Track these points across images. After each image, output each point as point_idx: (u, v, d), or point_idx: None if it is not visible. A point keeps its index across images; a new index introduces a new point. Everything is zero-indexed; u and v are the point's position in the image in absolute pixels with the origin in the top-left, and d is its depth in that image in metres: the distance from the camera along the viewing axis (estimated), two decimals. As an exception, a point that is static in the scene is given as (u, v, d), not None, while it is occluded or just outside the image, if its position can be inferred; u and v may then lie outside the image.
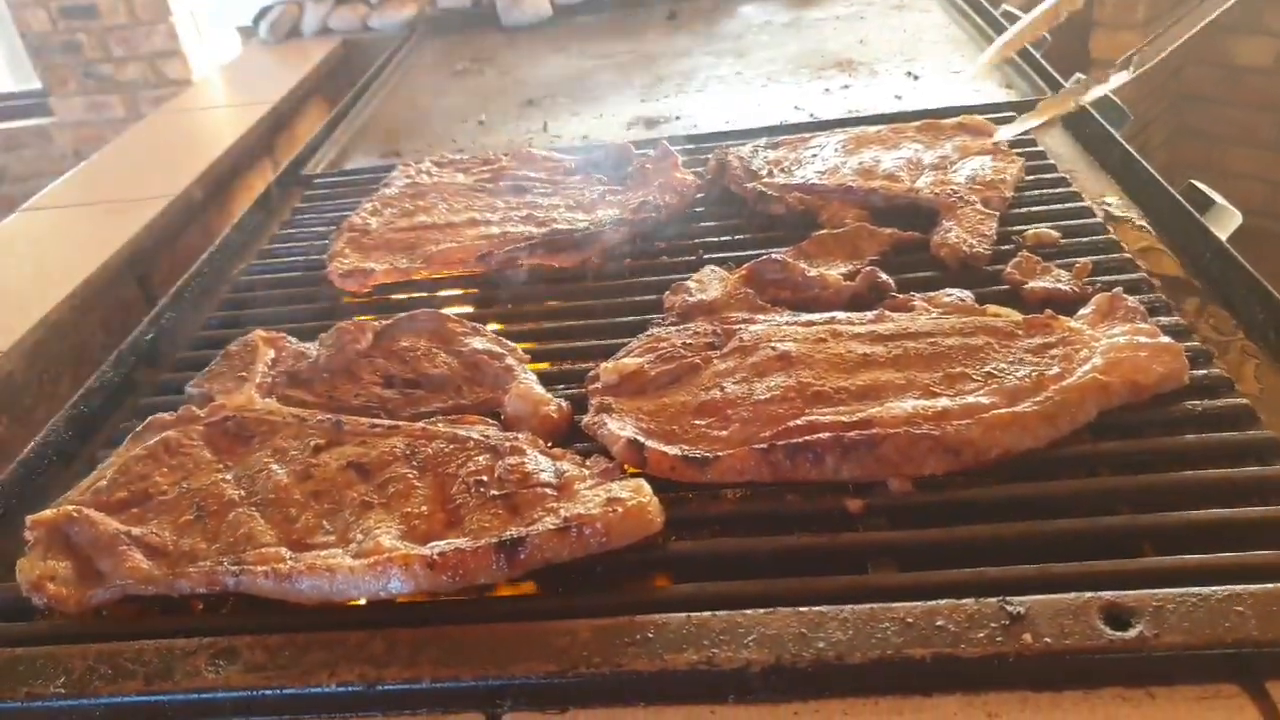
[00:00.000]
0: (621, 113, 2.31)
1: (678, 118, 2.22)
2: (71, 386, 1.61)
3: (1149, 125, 4.17)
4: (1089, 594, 0.85)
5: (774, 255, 1.40)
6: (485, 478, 1.06)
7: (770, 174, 1.69)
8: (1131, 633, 0.81)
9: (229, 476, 1.13)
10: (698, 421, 1.12)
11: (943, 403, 1.07)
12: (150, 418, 1.24)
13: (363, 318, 1.43)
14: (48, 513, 1.07)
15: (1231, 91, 4.14)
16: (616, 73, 2.60)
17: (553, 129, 2.27)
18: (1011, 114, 1.89)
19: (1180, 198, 1.46)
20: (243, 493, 1.10)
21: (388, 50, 3.10)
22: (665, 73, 2.54)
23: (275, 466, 1.13)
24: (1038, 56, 2.16)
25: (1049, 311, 1.22)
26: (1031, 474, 1.03)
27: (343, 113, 2.54)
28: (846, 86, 2.25)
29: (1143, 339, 1.13)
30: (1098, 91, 1.69)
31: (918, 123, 1.80)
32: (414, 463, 1.10)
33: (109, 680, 0.91)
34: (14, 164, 5.06)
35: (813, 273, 1.37)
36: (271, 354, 1.36)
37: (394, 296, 1.59)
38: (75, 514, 1.07)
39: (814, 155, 1.74)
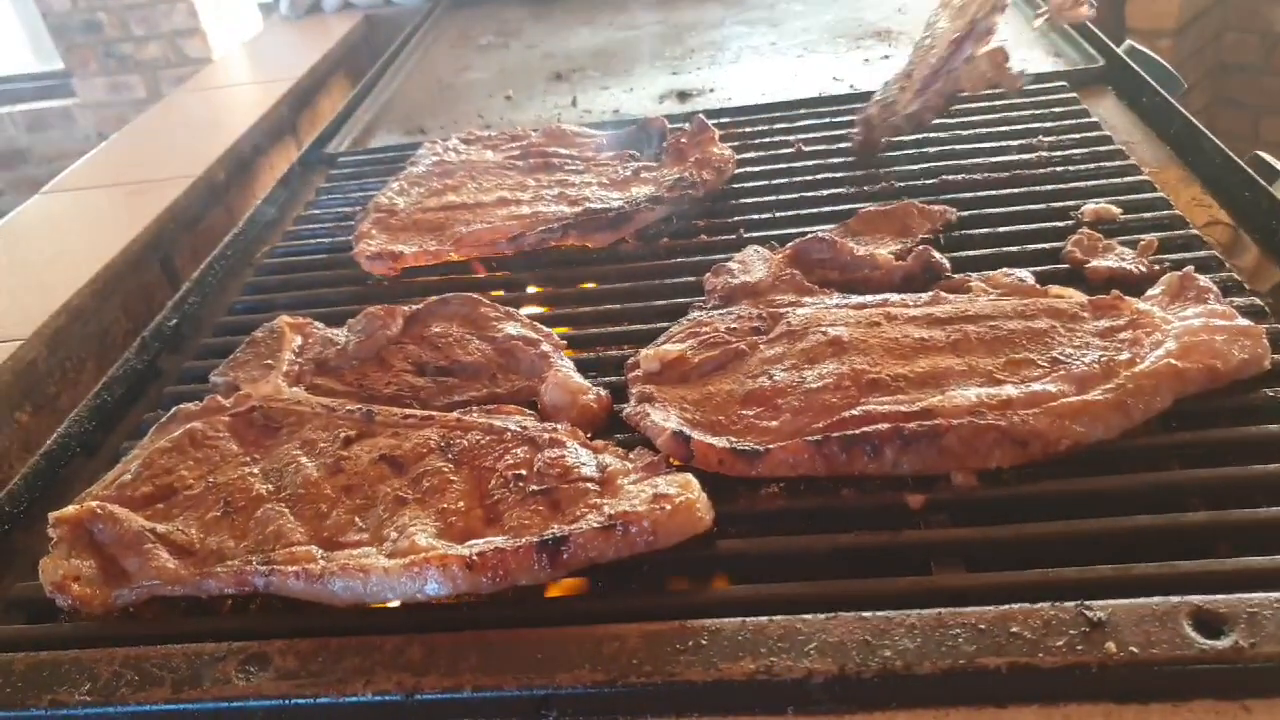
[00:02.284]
0: (653, 86, 2.24)
1: (711, 90, 2.15)
2: (94, 373, 1.58)
3: (1187, 94, 4.05)
4: (1176, 598, 0.79)
5: (820, 234, 1.34)
6: (524, 472, 1.01)
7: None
8: (1225, 641, 0.76)
9: (256, 470, 1.09)
10: (745, 412, 1.07)
11: (1008, 390, 1.01)
12: (175, 408, 1.20)
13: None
14: (71, 509, 1.03)
15: (1270, 59, 4.01)
16: (646, 44, 2.53)
17: (582, 104, 2.20)
18: (1063, 83, 1.81)
19: (1249, 169, 1.39)
20: (271, 487, 1.06)
21: (410, 25, 3.03)
22: (697, 44, 2.47)
23: (304, 459, 1.09)
24: (1086, 22, 2.07)
25: (1115, 292, 1.15)
26: (1102, 467, 0.97)
27: (366, 90, 2.49)
28: (886, 56, 2.17)
29: (1219, 321, 1.06)
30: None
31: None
32: (449, 455, 1.05)
33: (136, 687, 0.86)
34: (38, 145, 5.05)
35: (861, 251, 1.30)
36: (299, 340, 1.32)
37: (423, 279, 1.54)
38: (99, 510, 1.02)
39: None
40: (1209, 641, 0.76)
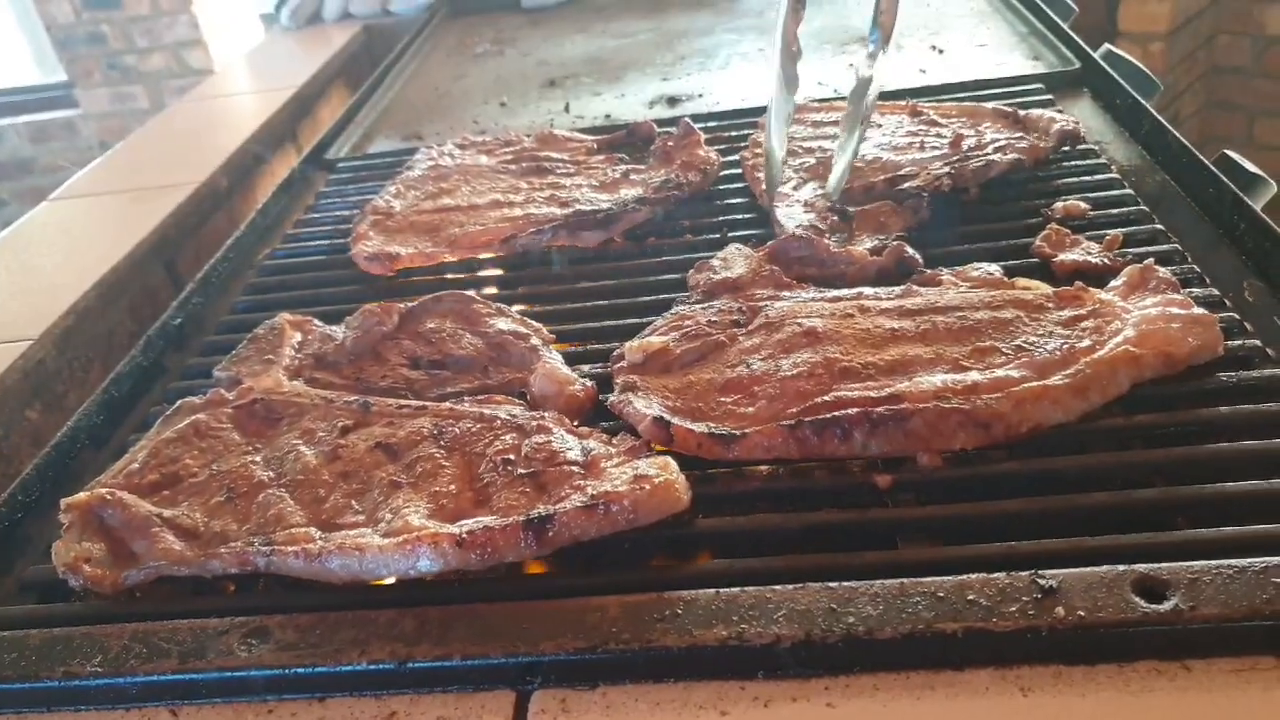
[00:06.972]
0: (644, 92, 2.29)
1: (700, 95, 2.20)
2: (102, 372, 1.63)
3: (1180, 97, 4.11)
4: (1122, 567, 0.84)
5: (799, 232, 1.39)
6: (512, 456, 1.06)
7: None
8: (1166, 605, 0.80)
9: (258, 458, 1.14)
10: (724, 399, 1.12)
11: (972, 376, 1.06)
12: (180, 401, 1.25)
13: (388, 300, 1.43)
14: (82, 495, 1.08)
15: (1262, 62, 4.07)
16: (639, 51, 2.59)
17: (575, 109, 2.26)
18: (1040, 85, 1.87)
19: (1214, 167, 1.43)
20: (272, 474, 1.11)
21: (408, 34, 3.09)
22: (687, 51, 2.53)
23: (304, 448, 1.14)
24: (1066, 28, 2.13)
25: (1079, 284, 1.20)
26: (1063, 448, 1.02)
27: (365, 97, 2.54)
28: (870, 61, 2.22)
29: (1175, 310, 1.11)
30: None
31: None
32: (441, 442, 1.10)
33: (144, 659, 0.91)
34: (42, 155, 5.12)
35: (838, 249, 1.35)
36: (298, 337, 1.37)
37: (419, 279, 1.59)
38: (108, 496, 1.08)
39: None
40: (1151, 605, 0.80)
